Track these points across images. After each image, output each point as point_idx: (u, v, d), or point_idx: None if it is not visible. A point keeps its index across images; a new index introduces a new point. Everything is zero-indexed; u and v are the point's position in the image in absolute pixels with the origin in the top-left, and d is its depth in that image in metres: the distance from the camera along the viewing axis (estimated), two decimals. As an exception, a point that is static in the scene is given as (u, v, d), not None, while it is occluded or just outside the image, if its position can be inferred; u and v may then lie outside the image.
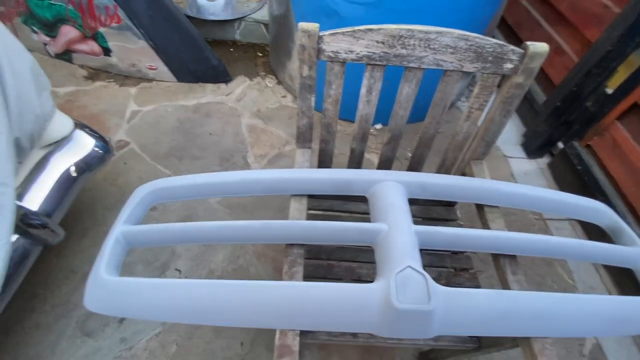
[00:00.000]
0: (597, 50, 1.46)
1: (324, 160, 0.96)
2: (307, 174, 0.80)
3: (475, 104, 0.81)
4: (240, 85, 2.15)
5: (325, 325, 0.61)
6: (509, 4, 2.11)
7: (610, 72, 1.44)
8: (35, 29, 2.03)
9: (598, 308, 0.65)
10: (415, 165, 0.98)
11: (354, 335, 0.83)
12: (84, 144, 1.24)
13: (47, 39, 2.06)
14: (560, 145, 1.77)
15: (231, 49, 2.41)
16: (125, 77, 2.11)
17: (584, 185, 1.54)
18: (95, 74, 2.11)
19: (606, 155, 1.48)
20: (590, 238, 1.09)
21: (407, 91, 0.80)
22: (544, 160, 1.89)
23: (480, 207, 0.88)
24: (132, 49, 1.96)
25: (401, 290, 0.60)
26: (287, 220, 0.69)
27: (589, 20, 1.57)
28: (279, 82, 2.18)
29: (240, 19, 2.33)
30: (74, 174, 1.17)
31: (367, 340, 0.83)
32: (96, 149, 1.27)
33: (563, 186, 1.71)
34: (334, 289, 0.62)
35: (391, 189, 0.77)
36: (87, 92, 1.99)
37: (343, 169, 0.82)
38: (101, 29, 1.90)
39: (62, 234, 1.10)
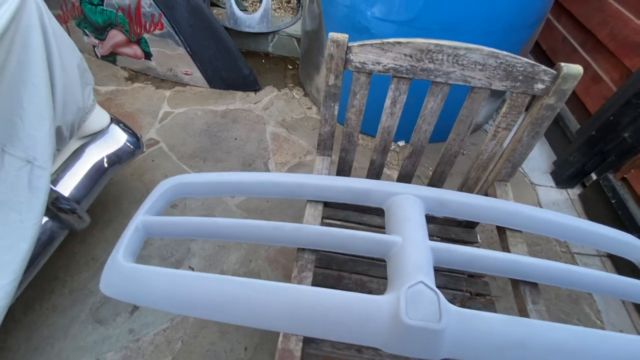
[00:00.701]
0: (638, 79, 1.40)
1: (343, 170, 0.96)
2: (324, 181, 0.80)
3: (503, 123, 0.80)
4: (268, 94, 2.21)
5: (330, 333, 0.60)
6: (544, 29, 2.08)
7: (651, 103, 1.37)
8: (87, 31, 2.19)
9: (625, 347, 0.60)
10: (435, 183, 0.96)
11: (359, 350, 0.81)
12: (118, 138, 1.31)
13: (96, 41, 2.22)
14: (594, 176, 1.68)
15: (263, 60, 2.50)
16: (161, 81, 2.23)
17: (618, 219, 1.44)
18: (134, 75, 2.24)
19: (644, 190, 1.39)
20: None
21: (432, 105, 0.80)
22: (575, 192, 1.80)
23: (501, 231, 0.84)
24: (170, 55, 2.08)
25: (411, 305, 0.58)
26: (301, 224, 0.69)
27: (629, 49, 1.51)
28: (306, 94, 2.23)
29: (274, 32, 2.43)
30: (106, 165, 1.24)
31: (372, 358, 0.80)
32: (128, 144, 1.34)
33: (594, 219, 1.61)
34: (342, 296, 0.60)
35: (409, 202, 0.76)
36: (125, 91, 2.12)
37: (361, 179, 0.82)
38: (145, 35, 2.03)
39: (88, 220, 1.15)
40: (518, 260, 0.69)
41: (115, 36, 2.12)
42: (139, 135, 1.38)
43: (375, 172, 0.96)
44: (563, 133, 1.86)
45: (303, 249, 0.75)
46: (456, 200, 0.79)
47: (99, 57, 2.31)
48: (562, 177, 1.77)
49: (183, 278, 0.64)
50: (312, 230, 0.70)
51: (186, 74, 2.16)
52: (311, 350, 0.80)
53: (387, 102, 0.80)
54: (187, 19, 1.92)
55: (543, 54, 2.13)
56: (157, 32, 2.00)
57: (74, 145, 1.18)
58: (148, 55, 2.14)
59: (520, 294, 0.72)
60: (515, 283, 0.74)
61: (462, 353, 0.60)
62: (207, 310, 0.63)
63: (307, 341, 0.70)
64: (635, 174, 1.44)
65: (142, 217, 0.75)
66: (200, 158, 1.78)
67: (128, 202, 1.55)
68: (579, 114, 1.82)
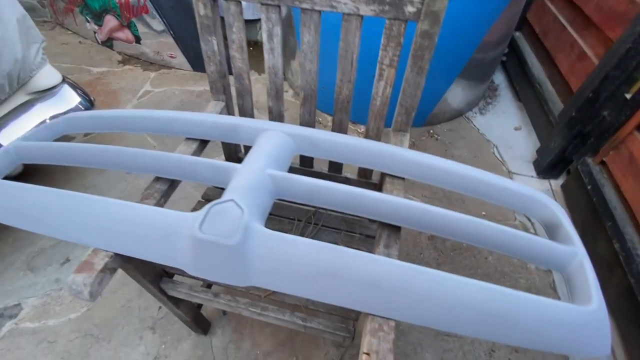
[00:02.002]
0: (616, 50, 1.24)
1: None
2: (194, 116, 0.77)
3: (385, 59, 0.73)
4: (248, 78, 2.24)
5: (136, 249, 0.56)
6: (537, 12, 1.93)
7: (630, 74, 1.20)
8: (88, 18, 2.37)
9: (473, 295, 0.50)
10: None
11: (216, 294, 0.76)
12: (70, 99, 1.38)
13: (96, 27, 2.39)
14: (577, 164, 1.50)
15: (251, 48, 2.54)
16: (150, 64, 2.33)
17: (594, 208, 1.27)
18: (127, 59, 2.37)
19: (620, 173, 1.21)
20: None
21: (308, 39, 0.75)
22: (559, 182, 1.62)
23: (383, 178, 0.76)
24: (156, 37, 2.18)
25: (210, 221, 0.53)
26: (139, 149, 0.67)
27: (613, 20, 1.35)
28: (285, 79, 2.23)
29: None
30: (52, 122, 1.30)
31: (228, 303, 0.75)
32: (80, 106, 1.40)
33: (574, 211, 1.43)
34: (148, 211, 0.57)
35: (274, 139, 0.71)
36: (114, 72, 2.24)
37: (233, 116, 0.78)
38: (133, 19, 2.15)
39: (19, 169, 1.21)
40: (375, 198, 0.61)
41: (110, 21, 2.27)
42: (92, 98, 1.44)
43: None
44: (548, 119, 1.69)
45: (158, 179, 0.72)
46: (329, 140, 0.73)
47: (100, 43, 2.47)
48: (543, 165, 1.60)
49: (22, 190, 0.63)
50: (150, 155, 0.67)
51: (171, 57, 2.25)
52: (169, 291, 0.77)
53: (264, 36, 0.76)
54: (168, 1, 2.01)
55: (535, 37, 1.97)
56: (144, 15, 2.11)
57: (20, 98, 1.25)
58: (138, 39, 2.26)
59: (378, 237, 0.64)
60: (381, 226, 0.66)
61: (271, 280, 0.54)
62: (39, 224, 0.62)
63: (127, 263, 0.67)
64: (613, 156, 1.26)
65: (17, 142, 0.77)
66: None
67: (88, 168, 1.61)
68: (565, 96, 1.64)
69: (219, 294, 0.75)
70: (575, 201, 1.45)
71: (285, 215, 0.95)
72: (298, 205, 0.99)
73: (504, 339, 0.51)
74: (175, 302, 0.86)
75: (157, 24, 2.10)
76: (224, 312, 1.17)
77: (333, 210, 0.95)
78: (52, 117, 1.30)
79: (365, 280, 0.51)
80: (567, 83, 1.61)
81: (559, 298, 1.24)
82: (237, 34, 0.78)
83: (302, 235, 0.89)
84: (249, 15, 2.40)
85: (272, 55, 0.79)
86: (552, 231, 0.67)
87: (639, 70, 1.18)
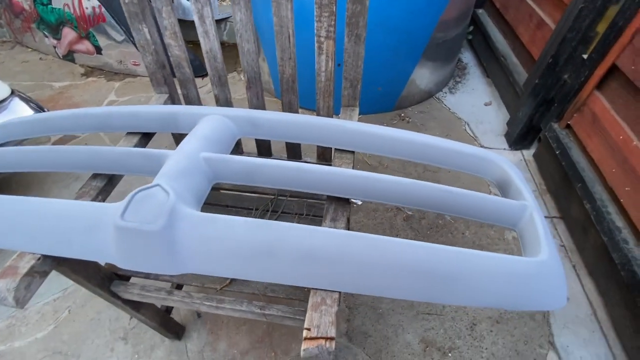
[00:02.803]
0: (571, 12, 1.24)
1: (190, 110, 0.90)
2: (130, 109, 0.74)
3: (321, 30, 0.70)
4: (216, 79, 2.20)
5: (57, 247, 0.53)
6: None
7: (584, 34, 1.20)
8: (45, 33, 2.30)
9: (414, 256, 0.47)
10: (289, 117, 0.87)
11: (170, 292, 0.73)
12: (20, 112, 1.32)
13: (55, 41, 2.32)
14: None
15: (217, 49, 2.51)
16: (114, 74, 2.28)
17: (565, 173, 1.26)
18: (90, 71, 2.31)
19: (585, 134, 1.21)
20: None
21: (240, 17, 0.72)
22: (531, 152, 1.61)
23: (335, 155, 0.74)
24: (117, 46, 2.13)
25: (134, 208, 0.49)
26: (69, 146, 0.64)
27: (565, -18, 1.35)
28: (253, 76, 2.20)
29: (225, 19, 2.44)
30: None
31: (182, 299, 0.71)
32: (34, 118, 1.35)
33: (548, 179, 1.42)
34: (68, 205, 0.53)
35: (211, 123, 0.68)
36: (77, 86, 2.18)
37: (170, 105, 0.75)
38: (91, 29, 2.10)
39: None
40: (308, 170, 0.59)
41: (68, 34, 2.21)
42: (45, 110, 1.39)
43: (222, 110, 0.88)
44: (515, 90, 1.69)
45: (96, 176, 0.69)
46: (271, 119, 0.70)
47: (61, 57, 2.41)
48: (514, 136, 1.60)
49: None
50: (80, 150, 0.63)
51: (135, 65, 2.20)
52: (121, 293, 0.73)
53: (195, 18, 0.73)
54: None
55: (497, 12, 1.98)
56: (101, 24, 2.06)
57: (-35, 114, 1.20)
58: (99, 50, 2.21)
59: (325, 211, 0.61)
60: (329, 200, 0.63)
61: (206, 264, 0.50)
62: None
63: (69, 269, 0.63)
64: (577, 118, 1.26)
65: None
66: (133, 139, 1.77)
67: (51, 182, 1.56)
68: (529, 66, 1.64)
69: (172, 292, 0.71)
70: (546, 169, 1.44)
71: (245, 206, 0.92)
72: (259, 195, 0.96)
73: (452, 299, 0.48)
74: (135, 306, 0.82)
75: (117, 34, 2.05)
76: (199, 315, 1.14)
77: (293, 196, 0.93)
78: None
79: (301, 252, 0.48)
80: (529, 53, 1.61)
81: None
82: (167, 20, 0.75)
83: (259, 223, 0.86)
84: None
85: (207, 39, 0.76)
86: (504, 189, 0.65)
87: (593, 29, 1.18)
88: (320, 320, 0.46)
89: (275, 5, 0.69)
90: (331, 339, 0.44)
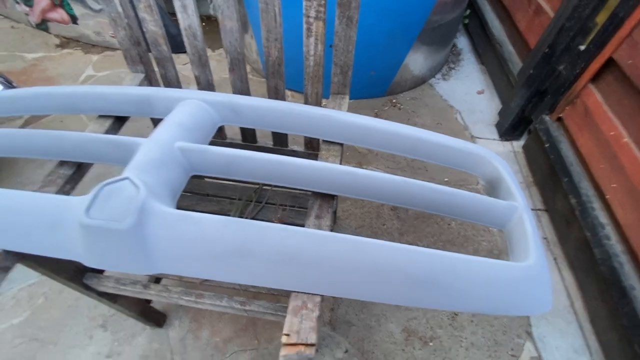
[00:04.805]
0: (570, 0, 1.20)
1: (169, 92, 0.84)
2: (102, 90, 0.68)
3: (310, 10, 0.65)
4: (202, 56, 2.09)
5: (17, 243, 0.49)
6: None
7: (583, 24, 1.17)
8: (16, -1, 2.13)
9: (398, 260, 0.45)
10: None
11: (145, 286, 0.70)
12: (-14, 87, 1.23)
13: (27, 8, 2.15)
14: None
15: (203, 23, 2.38)
16: (92, 46, 2.14)
17: (552, 166, 1.26)
18: (66, 42, 2.17)
19: (576, 128, 1.20)
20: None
21: (222, -9, 0.66)
22: (521, 143, 1.61)
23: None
24: (94, 16, 1.99)
25: (100, 204, 0.45)
26: (33, 130, 0.58)
27: (567, -32, 1.30)
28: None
29: (211, -8, 2.30)
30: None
31: (159, 293, 0.69)
32: (1, 93, 1.26)
33: (536, 171, 1.42)
34: (27, 197, 0.49)
35: (189, 108, 0.63)
36: (52, 57, 2.04)
37: (145, 87, 0.69)
38: (65, -5, 1.95)
39: None
40: (292, 163, 0.55)
41: (41, 1, 2.04)
42: (14, 84, 1.30)
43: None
44: (508, 79, 1.66)
45: (63, 163, 0.64)
46: (256, 106, 0.66)
47: (34, 25, 2.24)
48: (505, 127, 1.58)
49: None
50: (44, 135, 0.58)
51: (113, 37, 2.06)
52: (95, 286, 0.69)
53: (176, 4, 0.67)
54: (100, -26, 1.81)
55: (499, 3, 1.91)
56: (76, -9, 1.91)
57: None
58: (74, 19, 2.05)
59: (310, 207, 0.58)
60: (314, 196, 0.60)
61: (178, 265, 0.47)
62: None
63: (35, 263, 0.60)
64: (569, 111, 1.25)
65: None
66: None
67: (24, 162, 1.48)
68: (524, 55, 1.61)
69: (149, 286, 0.68)
70: (535, 161, 1.44)
71: (228, 196, 0.88)
72: (244, 184, 0.93)
73: (437, 304, 0.47)
74: (111, 298, 0.79)
75: (93, 3, 1.91)
76: (181, 302, 1.11)
77: (277, 186, 0.89)
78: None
79: (280, 254, 0.45)
80: (525, 41, 1.57)
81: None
82: (142, -7, 0.68)
83: (241, 215, 0.83)
84: (197, -13, 2.22)
85: (186, 14, 0.70)
86: (494, 187, 0.63)
87: (592, 19, 1.14)
88: (300, 325, 0.44)
89: (261, -20, 0.63)
90: (311, 345, 0.43)
